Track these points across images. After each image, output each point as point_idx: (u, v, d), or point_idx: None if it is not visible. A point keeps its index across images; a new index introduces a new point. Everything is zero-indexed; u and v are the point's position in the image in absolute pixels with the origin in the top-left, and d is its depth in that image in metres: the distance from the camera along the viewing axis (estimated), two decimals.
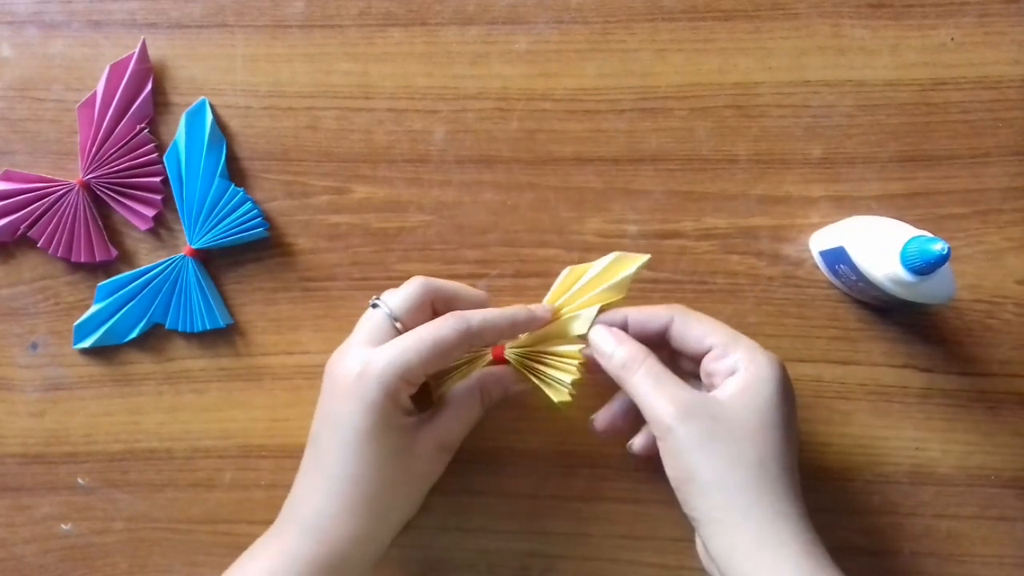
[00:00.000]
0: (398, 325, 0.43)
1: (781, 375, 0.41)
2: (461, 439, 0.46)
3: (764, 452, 0.39)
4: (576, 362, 0.45)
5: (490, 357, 0.49)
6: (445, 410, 0.45)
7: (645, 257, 0.45)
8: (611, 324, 0.45)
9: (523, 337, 0.48)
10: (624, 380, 0.42)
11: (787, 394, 0.41)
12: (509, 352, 0.48)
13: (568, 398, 0.45)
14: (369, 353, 0.41)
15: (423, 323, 0.42)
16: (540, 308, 0.46)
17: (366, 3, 0.52)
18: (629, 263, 0.45)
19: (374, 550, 0.43)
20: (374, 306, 0.44)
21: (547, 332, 0.47)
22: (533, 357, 0.47)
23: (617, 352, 0.43)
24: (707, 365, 0.43)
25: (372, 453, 0.41)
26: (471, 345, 0.43)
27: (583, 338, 0.45)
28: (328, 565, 0.41)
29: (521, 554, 0.51)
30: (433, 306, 0.45)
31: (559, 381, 0.46)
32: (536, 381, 0.47)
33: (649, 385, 0.41)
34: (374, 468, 0.41)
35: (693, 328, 0.43)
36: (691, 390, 0.41)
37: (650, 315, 0.44)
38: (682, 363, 0.46)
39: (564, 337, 0.46)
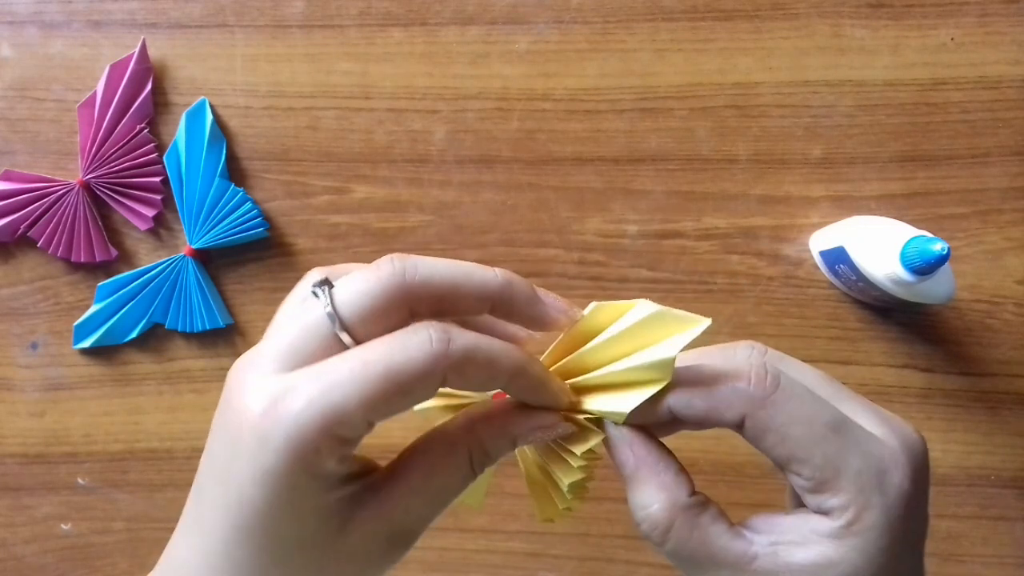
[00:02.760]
0: (344, 337, 0.25)
1: (904, 529, 0.26)
2: (429, 524, 0.27)
3: None
4: (582, 462, 0.29)
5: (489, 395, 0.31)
6: (404, 477, 0.27)
7: (703, 322, 0.27)
8: (651, 418, 0.28)
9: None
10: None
11: (907, 549, 0.27)
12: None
13: (555, 514, 0.31)
14: (283, 381, 0.24)
15: (387, 333, 0.25)
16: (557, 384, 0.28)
17: (366, 3, 0.52)
18: (677, 327, 0.27)
19: None
20: (314, 294, 0.26)
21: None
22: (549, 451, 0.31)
23: (633, 497, 0.28)
24: (794, 487, 0.28)
25: (270, 540, 0.25)
26: (448, 381, 0.25)
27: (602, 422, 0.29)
28: None
29: (522, 554, 0.51)
30: (412, 309, 0.26)
31: (558, 479, 0.30)
32: (532, 480, 0.32)
33: (681, 564, 0.28)
34: (272, 561, 0.26)
35: (773, 442, 0.27)
36: (744, 564, 0.27)
37: (706, 407, 0.27)
38: None
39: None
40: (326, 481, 0.25)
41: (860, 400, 0.29)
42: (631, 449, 0.28)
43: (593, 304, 0.28)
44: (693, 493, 0.28)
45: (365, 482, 0.27)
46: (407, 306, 0.25)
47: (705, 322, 0.27)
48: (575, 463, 0.29)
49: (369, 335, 0.25)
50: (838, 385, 0.29)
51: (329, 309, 0.25)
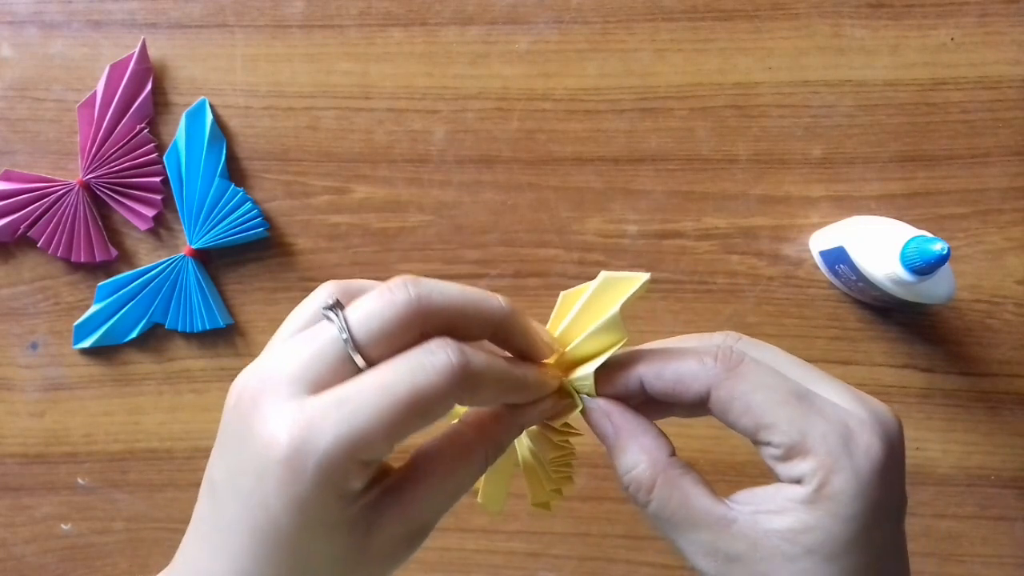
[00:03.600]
0: (358, 360, 0.26)
1: (877, 495, 0.27)
2: (444, 514, 0.29)
3: None
4: (562, 436, 0.32)
5: None
6: (422, 477, 0.28)
7: (641, 278, 0.29)
8: (622, 387, 0.30)
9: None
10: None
11: (883, 517, 0.27)
12: None
13: (546, 496, 0.34)
14: (304, 412, 0.25)
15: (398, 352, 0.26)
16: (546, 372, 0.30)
17: (366, 3, 0.52)
18: (621, 288, 0.29)
19: None
20: (327, 317, 0.26)
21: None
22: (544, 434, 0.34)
23: (618, 463, 0.30)
24: (767, 461, 0.29)
25: (303, 562, 0.26)
26: (465, 401, 0.27)
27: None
28: None
29: (522, 554, 0.51)
30: (422, 331, 0.27)
31: (542, 457, 0.33)
32: (527, 467, 0.35)
33: (664, 524, 0.29)
34: (304, 574, 0.27)
35: (739, 412, 0.28)
36: (723, 527, 0.28)
37: (674, 378, 0.29)
38: None
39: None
40: (351, 497, 0.26)
41: (835, 381, 0.29)
42: (609, 419, 0.30)
43: (561, 295, 0.30)
44: (674, 454, 0.29)
45: (383, 486, 0.27)
46: (419, 329, 0.26)
47: (643, 276, 0.29)
48: (555, 438, 0.31)
49: (381, 357, 0.26)
50: (812, 368, 0.30)
51: (345, 335, 0.26)
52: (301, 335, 0.27)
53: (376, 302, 0.26)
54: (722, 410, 0.28)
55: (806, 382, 0.29)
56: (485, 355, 0.27)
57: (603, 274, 0.29)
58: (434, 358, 0.25)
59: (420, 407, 0.25)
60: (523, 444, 0.33)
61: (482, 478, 0.32)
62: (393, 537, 0.27)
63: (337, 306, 0.26)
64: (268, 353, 0.27)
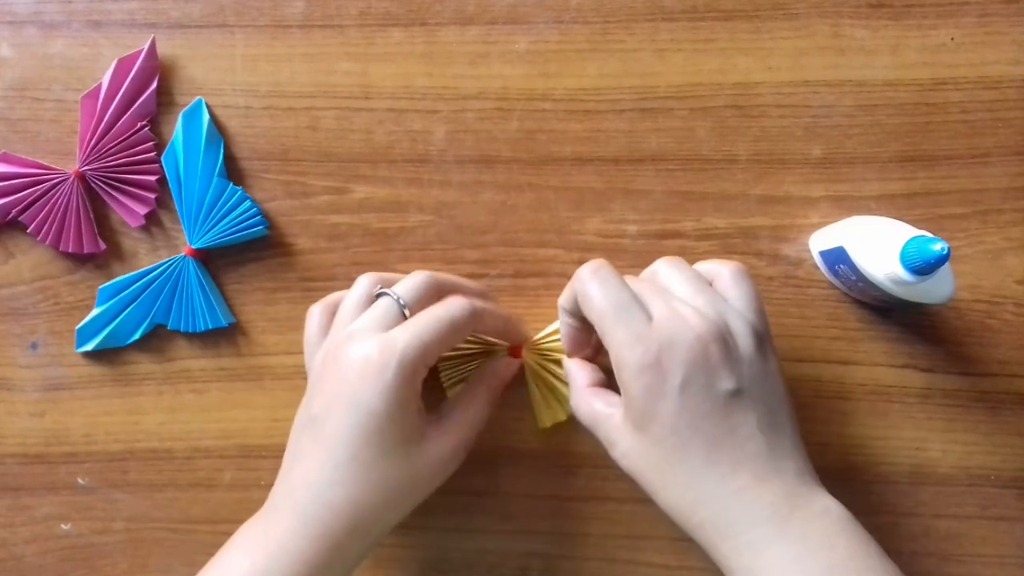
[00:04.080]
0: (407, 313, 0.42)
1: (648, 359, 0.38)
2: (472, 442, 0.45)
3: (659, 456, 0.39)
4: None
5: (504, 353, 0.50)
6: (460, 411, 0.45)
7: None
8: (565, 314, 0.45)
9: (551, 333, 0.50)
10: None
11: (661, 395, 0.38)
12: (528, 353, 0.50)
13: (547, 424, 0.50)
14: (385, 335, 0.40)
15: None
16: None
17: (366, 3, 0.52)
18: None
19: (368, 545, 0.42)
20: (380, 295, 0.43)
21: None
22: (548, 366, 0.49)
23: (567, 370, 0.47)
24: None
25: (385, 438, 0.39)
26: (474, 329, 0.43)
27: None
28: (322, 562, 0.39)
29: (521, 554, 0.51)
30: (439, 295, 0.45)
31: (564, 399, 0.49)
32: (536, 393, 0.50)
33: (586, 426, 0.44)
34: (385, 455, 0.40)
35: (586, 310, 0.41)
36: (609, 424, 0.42)
37: (569, 291, 0.43)
38: None
39: None
40: (417, 395, 0.41)
41: (659, 294, 0.40)
42: (573, 366, 0.46)
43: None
44: (590, 380, 0.45)
45: (429, 417, 0.44)
46: (437, 296, 0.44)
47: None
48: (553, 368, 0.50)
49: (417, 312, 0.42)
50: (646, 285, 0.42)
51: (401, 300, 0.43)
52: (360, 306, 0.43)
53: (412, 280, 0.44)
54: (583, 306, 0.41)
55: (641, 293, 0.40)
56: (482, 301, 0.45)
57: None
58: (458, 302, 0.43)
59: (454, 328, 0.41)
60: (534, 377, 0.49)
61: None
62: (440, 448, 0.42)
63: (384, 291, 0.43)
64: (340, 324, 0.43)
